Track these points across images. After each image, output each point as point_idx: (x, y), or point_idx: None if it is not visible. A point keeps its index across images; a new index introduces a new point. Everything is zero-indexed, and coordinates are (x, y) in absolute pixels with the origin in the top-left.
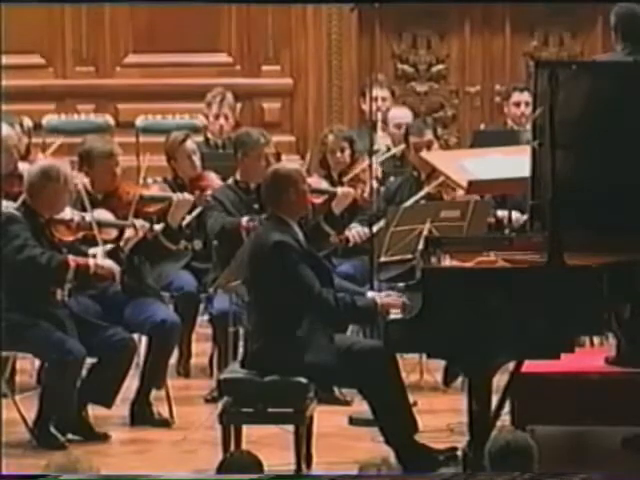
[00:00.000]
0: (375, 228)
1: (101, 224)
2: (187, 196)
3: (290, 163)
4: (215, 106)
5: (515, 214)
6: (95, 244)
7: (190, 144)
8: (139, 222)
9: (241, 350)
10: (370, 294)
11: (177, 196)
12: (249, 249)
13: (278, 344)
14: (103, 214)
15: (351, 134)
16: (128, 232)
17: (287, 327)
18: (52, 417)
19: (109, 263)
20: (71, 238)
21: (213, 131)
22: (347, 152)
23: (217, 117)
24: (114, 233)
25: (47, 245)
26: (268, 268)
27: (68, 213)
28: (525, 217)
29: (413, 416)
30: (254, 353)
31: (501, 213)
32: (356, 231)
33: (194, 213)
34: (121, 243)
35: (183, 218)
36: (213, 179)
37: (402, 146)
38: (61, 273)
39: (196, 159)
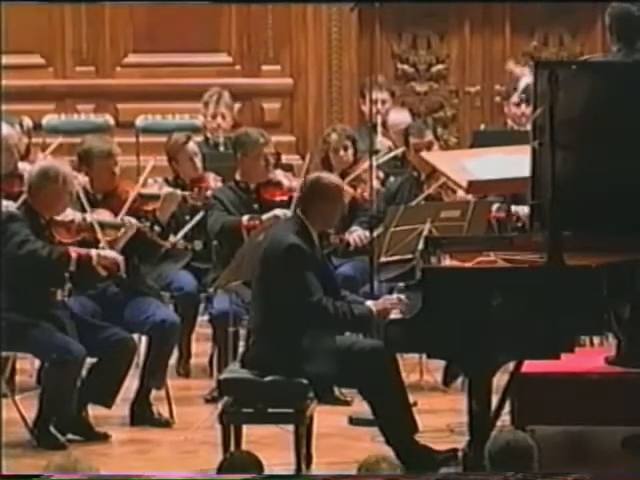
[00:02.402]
0: (375, 233)
1: (102, 225)
2: (175, 190)
3: (334, 176)
4: (212, 105)
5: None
6: (93, 245)
7: (192, 146)
8: (128, 219)
9: (241, 350)
10: (368, 303)
11: (166, 190)
12: (265, 245)
13: (279, 344)
14: (103, 215)
15: (353, 133)
16: (121, 231)
17: (289, 328)
18: (52, 417)
19: (112, 253)
20: (71, 240)
21: (211, 130)
22: (350, 151)
23: (214, 116)
24: (113, 234)
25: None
26: (277, 268)
27: (69, 214)
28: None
29: (413, 416)
30: (254, 353)
31: (515, 208)
32: (357, 235)
33: (195, 219)
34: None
35: (174, 214)
36: (213, 181)
37: (402, 148)
38: (63, 265)
39: (197, 161)
